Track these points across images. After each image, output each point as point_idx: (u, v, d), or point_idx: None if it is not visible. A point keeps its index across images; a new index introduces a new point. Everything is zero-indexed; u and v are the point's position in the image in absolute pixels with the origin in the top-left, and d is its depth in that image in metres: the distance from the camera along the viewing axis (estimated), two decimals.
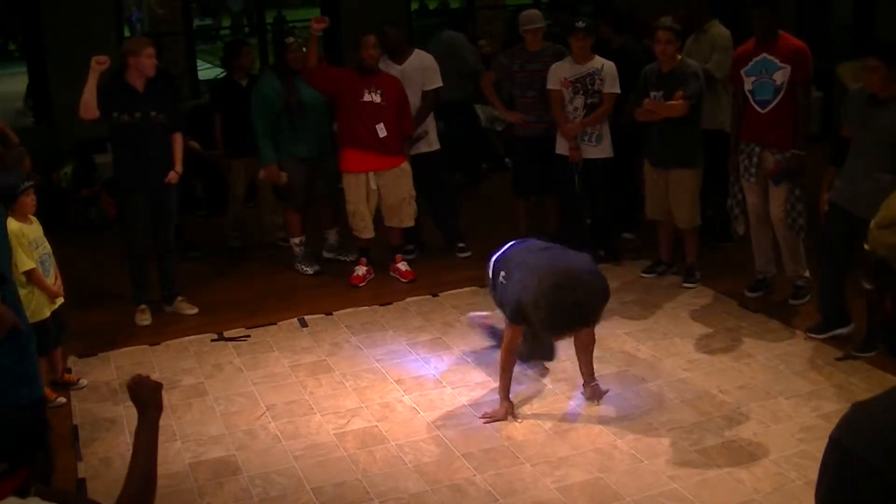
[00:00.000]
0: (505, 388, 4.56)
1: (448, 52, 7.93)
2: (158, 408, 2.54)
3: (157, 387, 2.56)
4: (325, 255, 6.99)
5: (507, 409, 4.54)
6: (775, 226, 5.73)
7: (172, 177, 5.81)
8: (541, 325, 4.18)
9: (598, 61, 6.31)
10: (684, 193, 6.04)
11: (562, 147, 6.43)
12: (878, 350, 4.90)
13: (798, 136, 5.57)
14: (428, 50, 7.03)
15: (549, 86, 6.39)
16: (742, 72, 5.68)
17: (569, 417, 4.54)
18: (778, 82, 5.54)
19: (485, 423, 4.50)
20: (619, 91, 6.32)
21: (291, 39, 6.63)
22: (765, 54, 5.57)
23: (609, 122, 6.43)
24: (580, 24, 6.31)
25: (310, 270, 6.72)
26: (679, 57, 5.90)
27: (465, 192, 8.29)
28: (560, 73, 6.35)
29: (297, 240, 6.76)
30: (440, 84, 6.67)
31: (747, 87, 5.66)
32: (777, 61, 5.54)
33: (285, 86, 6.42)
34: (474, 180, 8.85)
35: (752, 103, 5.65)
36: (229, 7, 20.93)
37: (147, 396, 2.53)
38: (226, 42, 10.33)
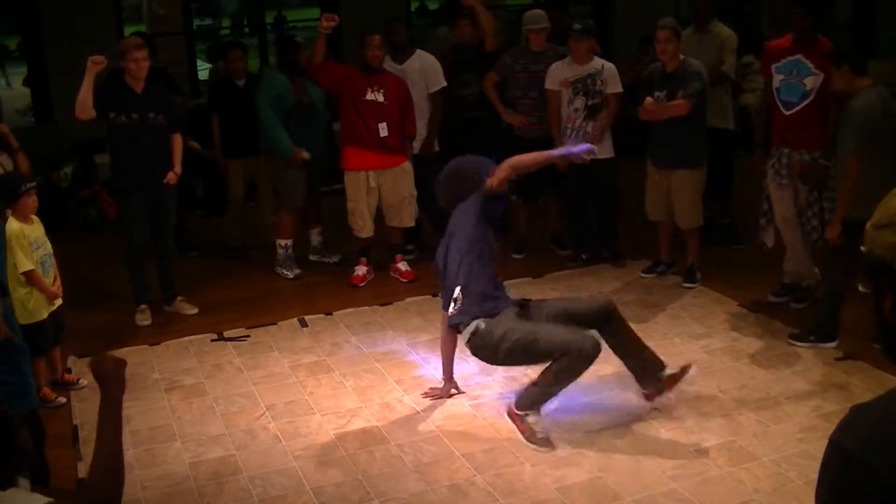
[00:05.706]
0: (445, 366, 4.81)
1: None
2: (121, 386, 2.49)
3: (120, 364, 2.52)
4: (311, 257, 6.97)
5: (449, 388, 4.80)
6: (788, 223, 5.59)
7: (171, 177, 5.80)
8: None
9: (598, 62, 6.31)
10: (686, 194, 6.02)
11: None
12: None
13: (826, 146, 5.29)
14: (427, 50, 7.00)
15: (548, 86, 6.37)
16: (773, 67, 5.50)
17: (568, 417, 4.54)
18: (808, 87, 5.36)
19: (424, 396, 4.81)
20: (621, 90, 6.31)
21: (301, 39, 6.64)
22: (800, 56, 5.38)
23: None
24: (577, 26, 6.29)
25: (290, 275, 6.65)
26: (681, 56, 5.86)
27: None
28: (560, 74, 6.33)
29: (284, 242, 6.67)
30: (444, 84, 6.62)
31: (775, 83, 5.50)
32: (811, 66, 5.35)
33: (295, 85, 6.41)
34: None
35: (777, 101, 5.49)
36: (223, 8, 20.99)
37: (109, 375, 2.48)
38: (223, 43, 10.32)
